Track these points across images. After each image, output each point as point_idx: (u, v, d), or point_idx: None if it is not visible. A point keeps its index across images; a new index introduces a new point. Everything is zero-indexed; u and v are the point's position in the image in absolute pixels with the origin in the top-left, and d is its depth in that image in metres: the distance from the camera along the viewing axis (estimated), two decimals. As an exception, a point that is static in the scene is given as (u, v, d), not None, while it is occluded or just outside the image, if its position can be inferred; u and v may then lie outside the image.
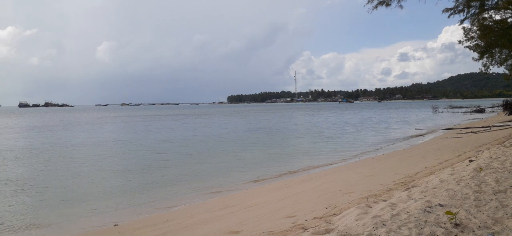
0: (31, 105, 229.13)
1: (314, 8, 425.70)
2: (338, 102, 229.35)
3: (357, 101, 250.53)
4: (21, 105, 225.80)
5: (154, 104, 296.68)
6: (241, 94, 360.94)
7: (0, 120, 65.17)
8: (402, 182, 8.47)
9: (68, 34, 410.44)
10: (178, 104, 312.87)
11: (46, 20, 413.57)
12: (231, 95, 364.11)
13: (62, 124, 49.06)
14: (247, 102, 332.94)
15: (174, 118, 63.55)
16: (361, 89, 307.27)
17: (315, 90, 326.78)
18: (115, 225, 8.08)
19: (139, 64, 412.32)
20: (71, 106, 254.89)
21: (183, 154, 19.64)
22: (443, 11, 16.66)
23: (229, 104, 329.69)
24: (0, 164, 16.24)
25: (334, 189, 8.89)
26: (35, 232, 7.94)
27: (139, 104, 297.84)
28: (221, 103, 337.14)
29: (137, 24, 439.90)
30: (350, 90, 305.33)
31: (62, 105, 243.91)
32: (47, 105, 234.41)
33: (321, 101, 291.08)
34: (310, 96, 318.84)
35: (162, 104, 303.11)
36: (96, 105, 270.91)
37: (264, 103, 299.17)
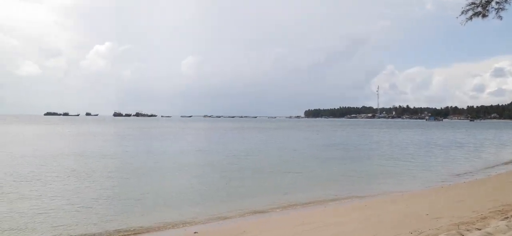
0: (124, 114, 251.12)
1: (400, 19, 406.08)
2: (424, 120, 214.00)
3: (447, 119, 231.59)
4: (116, 115, 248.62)
5: (233, 117, 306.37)
6: (319, 109, 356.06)
7: (99, 127, 72.58)
8: (499, 210, 7.63)
9: (157, 49, 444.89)
10: (256, 117, 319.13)
11: (138, 36, 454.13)
12: (308, 110, 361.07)
13: (151, 133, 53.10)
14: (325, 117, 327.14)
15: (252, 131, 65.02)
16: (450, 106, 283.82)
17: (399, 106, 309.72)
18: (195, 233, 8.45)
19: (220, 78, 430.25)
20: (167, 116, 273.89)
21: (260, 166, 19.94)
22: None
23: (306, 118, 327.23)
24: (87, 168, 18.05)
25: (419, 213, 8.32)
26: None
27: (220, 116, 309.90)
28: (298, 117, 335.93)
29: (218, 39, 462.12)
30: (438, 107, 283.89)
31: (151, 115, 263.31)
32: (138, 115, 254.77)
33: (405, 118, 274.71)
34: (393, 113, 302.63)
35: (241, 116, 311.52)
36: (181, 116, 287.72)
37: (343, 118, 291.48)
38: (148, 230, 8.87)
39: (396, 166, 20.96)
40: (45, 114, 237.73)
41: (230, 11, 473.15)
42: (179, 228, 9.03)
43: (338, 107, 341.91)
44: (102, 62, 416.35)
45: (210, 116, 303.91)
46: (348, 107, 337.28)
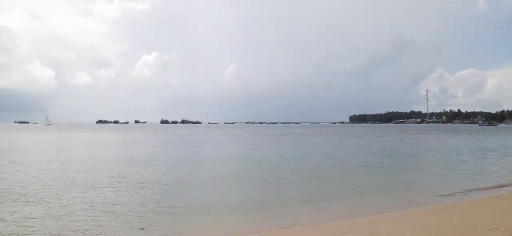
0: (170, 121, 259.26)
1: (451, 20, 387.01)
2: (478, 125, 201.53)
3: (502, 124, 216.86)
4: (162, 122, 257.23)
5: (275, 123, 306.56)
6: (364, 114, 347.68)
7: (149, 134, 75.50)
8: None
9: (201, 57, 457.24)
10: (298, 123, 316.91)
11: (183, 46, 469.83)
12: (353, 115, 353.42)
13: (201, 139, 54.49)
14: (371, 122, 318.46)
15: (294, 137, 64.68)
16: (507, 110, 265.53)
17: (450, 110, 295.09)
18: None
19: (261, 84, 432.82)
20: (214, 123, 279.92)
21: (303, 173, 19.87)
22: None
23: (351, 123, 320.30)
24: (136, 171, 18.83)
25: (473, 223, 7.95)
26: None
27: (262, 122, 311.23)
28: (342, 122, 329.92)
29: (259, 46, 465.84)
30: (493, 111, 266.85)
31: (196, 122, 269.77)
32: (183, 122, 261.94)
33: (457, 122, 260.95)
34: (444, 117, 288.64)
35: (283, 122, 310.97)
36: (224, 123, 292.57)
37: (390, 124, 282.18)
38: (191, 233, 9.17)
39: (446, 173, 20.02)
40: (97, 122, 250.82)
41: (271, 16, 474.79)
42: (221, 234, 9.22)
43: (385, 112, 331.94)
44: (149, 71, 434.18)
45: (252, 123, 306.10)
46: (395, 112, 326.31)
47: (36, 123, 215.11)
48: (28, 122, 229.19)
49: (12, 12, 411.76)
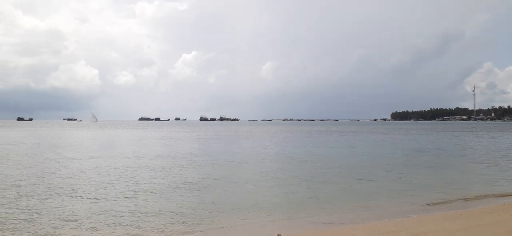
0: (209, 119, 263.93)
1: (500, 12, 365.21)
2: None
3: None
4: (202, 119, 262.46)
5: (313, 120, 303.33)
6: (407, 111, 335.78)
7: (190, 131, 77.31)
8: None
9: (238, 55, 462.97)
10: (337, 120, 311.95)
11: (221, 45, 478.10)
12: (395, 112, 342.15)
13: (236, 136, 55.11)
14: (414, 120, 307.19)
15: (332, 134, 63.74)
16: None
17: (499, 107, 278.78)
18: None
19: (299, 81, 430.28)
20: (253, 120, 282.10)
21: (344, 170, 19.52)
22: None
23: (393, 121, 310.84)
24: (177, 167, 19.30)
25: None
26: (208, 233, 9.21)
27: (299, 120, 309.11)
28: (383, 120, 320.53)
29: (298, 43, 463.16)
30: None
31: (234, 120, 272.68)
32: (221, 119, 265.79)
33: (507, 119, 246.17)
34: (492, 114, 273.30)
35: (322, 120, 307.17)
36: (261, 120, 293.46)
37: (434, 121, 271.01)
38: (231, 230, 9.31)
39: (495, 173, 18.95)
40: (139, 119, 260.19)
41: (309, 13, 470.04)
42: (262, 230, 9.29)
43: (429, 109, 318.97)
44: (189, 70, 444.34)
45: (290, 120, 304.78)
46: (439, 109, 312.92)
47: (81, 120, 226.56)
48: (75, 120, 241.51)
49: (61, 15, 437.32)
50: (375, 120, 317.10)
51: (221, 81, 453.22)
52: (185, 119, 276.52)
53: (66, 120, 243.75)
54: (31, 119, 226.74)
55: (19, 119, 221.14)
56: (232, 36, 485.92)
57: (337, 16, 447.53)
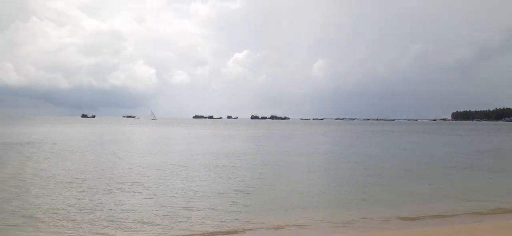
0: (260, 117, 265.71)
1: None
2: None
3: None
4: (253, 117, 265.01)
5: (368, 120, 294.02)
6: (469, 110, 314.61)
7: (243, 129, 78.37)
8: None
9: (289, 54, 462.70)
10: (393, 120, 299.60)
11: (272, 43, 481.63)
12: (456, 111, 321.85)
13: (287, 135, 54.94)
14: (477, 120, 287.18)
15: (388, 134, 61.23)
16: None
17: None
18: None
19: (352, 79, 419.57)
20: (305, 119, 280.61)
21: (398, 172, 18.66)
22: None
23: (454, 121, 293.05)
24: (229, 166, 19.42)
25: None
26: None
27: (353, 119, 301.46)
28: (443, 120, 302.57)
29: (350, 39, 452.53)
30: None
31: (284, 118, 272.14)
32: (272, 117, 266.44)
33: None
34: None
35: (377, 119, 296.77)
36: (313, 119, 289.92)
37: (499, 122, 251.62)
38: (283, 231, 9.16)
39: None
40: (193, 117, 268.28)
41: (362, 8, 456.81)
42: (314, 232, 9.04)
43: (494, 109, 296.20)
44: (240, 69, 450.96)
45: (342, 119, 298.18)
46: (506, 109, 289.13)
47: (138, 117, 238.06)
48: (134, 117, 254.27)
49: (121, 17, 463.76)
50: (434, 120, 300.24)
51: (272, 79, 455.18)
52: (236, 117, 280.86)
53: (125, 117, 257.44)
54: (94, 116, 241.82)
55: (83, 116, 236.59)
56: (283, 34, 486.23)
57: (392, 10, 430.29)
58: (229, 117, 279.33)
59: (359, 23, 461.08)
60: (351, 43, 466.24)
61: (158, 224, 9.32)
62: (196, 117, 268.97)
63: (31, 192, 12.67)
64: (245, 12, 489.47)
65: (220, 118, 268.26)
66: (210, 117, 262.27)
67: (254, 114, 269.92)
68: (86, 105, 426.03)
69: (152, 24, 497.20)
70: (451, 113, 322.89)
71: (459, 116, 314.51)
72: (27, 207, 10.69)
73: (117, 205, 11.06)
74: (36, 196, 12.05)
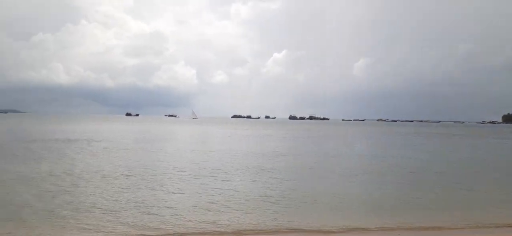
0: (298, 117, 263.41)
1: None
2: None
3: None
4: (291, 117, 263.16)
5: (411, 121, 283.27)
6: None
7: (275, 129, 78.27)
8: None
9: (329, 53, 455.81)
10: (439, 121, 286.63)
11: (312, 42, 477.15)
12: (508, 114, 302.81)
13: (328, 136, 54.28)
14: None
15: (433, 137, 58.62)
16: None
17: None
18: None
19: (395, 80, 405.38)
20: (347, 120, 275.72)
21: (445, 178, 17.87)
22: None
23: (505, 124, 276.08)
24: (268, 167, 19.38)
25: None
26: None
27: (396, 120, 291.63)
28: (493, 122, 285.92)
29: (393, 39, 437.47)
30: None
31: (323, 119, 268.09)
32: (311, 118, 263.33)
33: None
34: None
35: (421, 121, 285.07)
36: (353, 120, 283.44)
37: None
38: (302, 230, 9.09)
39: None
40: (232, 117, 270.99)
41: (406, 6, 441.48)
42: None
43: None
44: (279, 69, 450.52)
45: (384, 120, 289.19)
46: None
47: (178, 116, 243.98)
48: (175, 116, 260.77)
49: (164, 19, 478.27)
50: (483, 122, 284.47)
51: (311, 79, 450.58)
52: (274, 117, 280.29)
53: (167, 116, 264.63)
54: (137, 115, 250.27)
55: (127, 114, 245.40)
56: (323, 33, 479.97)
57: (439, 7, 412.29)
58: (267, 117, 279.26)
59: (402, 20, 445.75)
60: (394, 42, 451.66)
61: (193, 221, 9.66)
62: (234, 116, 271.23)
63: (79, 186, 13.46)
64: (285, 12, 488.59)
65: (258, 118, 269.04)
66: (248, 117, 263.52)
67: (292, 114, 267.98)
68: (130, 104, 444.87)
69: (193, 25, 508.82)
70: (501, 115, 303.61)
71: (510, 118, 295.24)
72: (78, 201, 11.34)
73: (159, 202, 11.48)
74: (87, 190, 12.78)
